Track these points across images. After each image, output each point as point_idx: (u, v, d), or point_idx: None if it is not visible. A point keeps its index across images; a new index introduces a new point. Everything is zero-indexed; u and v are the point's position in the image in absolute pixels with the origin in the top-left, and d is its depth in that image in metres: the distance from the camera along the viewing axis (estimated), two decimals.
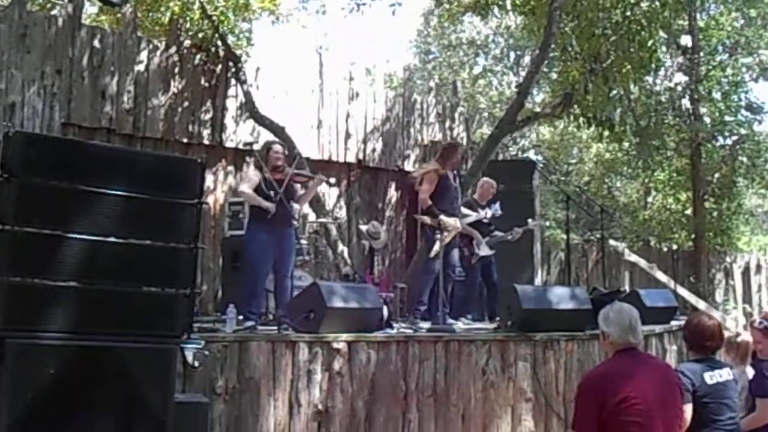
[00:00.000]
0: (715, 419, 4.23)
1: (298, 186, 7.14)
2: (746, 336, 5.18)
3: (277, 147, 7.07)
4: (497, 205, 8.28)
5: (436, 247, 6.93)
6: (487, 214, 8.23)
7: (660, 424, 3.42)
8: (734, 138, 15.67)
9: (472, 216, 8.07)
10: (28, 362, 3.41)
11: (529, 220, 8.91)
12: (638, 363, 3.58)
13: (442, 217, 7.01)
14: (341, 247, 10.44)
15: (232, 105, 10.62)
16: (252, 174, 6.89)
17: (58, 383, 3.45)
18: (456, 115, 13.16)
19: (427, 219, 7.12)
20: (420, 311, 7.24)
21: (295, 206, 6.94)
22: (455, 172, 7.50)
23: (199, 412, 4.29)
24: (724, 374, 4.39)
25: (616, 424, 3.36)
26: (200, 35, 10.52)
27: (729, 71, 15.55)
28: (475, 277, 8.45)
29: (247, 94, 10.40)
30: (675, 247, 15.84)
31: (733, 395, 4.42)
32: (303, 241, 8.39)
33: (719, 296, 15.11)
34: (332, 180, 8.27)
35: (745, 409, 4.66)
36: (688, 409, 4.05)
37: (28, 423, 3.36)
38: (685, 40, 15.07)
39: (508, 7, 11.63)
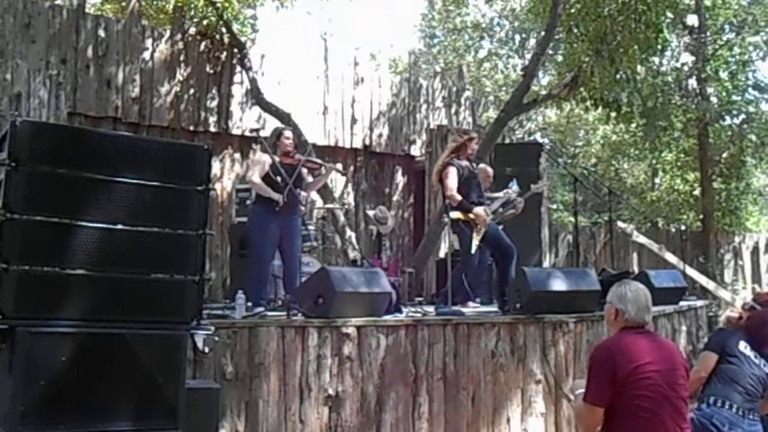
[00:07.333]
0: (734, 381, 4.49)
1: (307, 173, 7.11)
2: None
3: (288, 133, 6.99)
4: (514, 183, 7.92)
5: (475, 242, 6.92)
6: (509, 193, 7.76)
7: (666, 400, 3.43)
8: (742, 117, 15.53)
9: (499, 199, 7.75)
10: (39, 350, 3.42)
11: (532, 185, 8.63)
12: (647, 339, 3.59)
13: (476, 209, 6.94)
14: (349, 233, 10.45)
15: (237, 92, 10.63)
16: (261, 158, 6.83)
17: (69, 371, 3.46)
18: (462, 99, 13.13)
19: (460, 215, 6.99)
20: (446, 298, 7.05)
21: (303, 194, 6.90)
22: (470, 159, 7.31)
23: (210, 397, 4.31)
24: (761, 363, 4.57)
25: (626, 397, 3.38)
26: (205, 22, 10.52)
27: (736, 50, 15.43)
28: (483, 261, 8.37)
29: (252, 80, 10.40)
30: (683, 227, 15.79)
31: (761, 384, 4.54)
32: (311, 227, 8.39)
33: (728, 276, 15.06)
34: (342, 168, 8.19)
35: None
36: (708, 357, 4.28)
37: (40, 411, 3.38)
38: (692, 20, 14.94)
39: None
